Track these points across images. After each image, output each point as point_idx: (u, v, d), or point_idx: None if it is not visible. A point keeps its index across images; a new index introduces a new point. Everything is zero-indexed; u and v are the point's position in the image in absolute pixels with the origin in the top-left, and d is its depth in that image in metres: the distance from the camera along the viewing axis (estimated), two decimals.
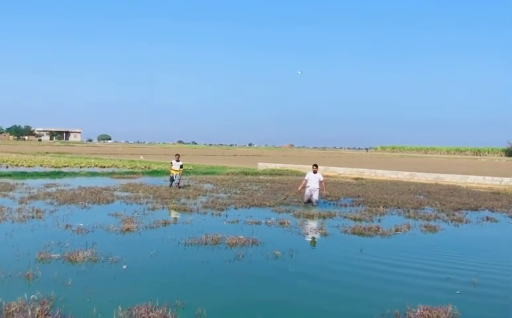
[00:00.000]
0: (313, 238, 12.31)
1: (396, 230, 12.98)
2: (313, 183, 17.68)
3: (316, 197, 17.67)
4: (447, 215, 16.18)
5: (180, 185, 22.39)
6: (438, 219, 15.33)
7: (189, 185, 23.57)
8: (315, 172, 17.84)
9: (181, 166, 22.68)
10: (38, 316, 5.93)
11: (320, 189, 17.84)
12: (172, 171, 22.56)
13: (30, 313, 5.99)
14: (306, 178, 18.02)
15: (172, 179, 22.52)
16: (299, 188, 18.49)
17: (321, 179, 17.95)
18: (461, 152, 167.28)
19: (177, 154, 23.75)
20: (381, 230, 12.86)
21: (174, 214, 15.09)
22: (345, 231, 12.81)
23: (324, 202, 18.33)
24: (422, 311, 6.59)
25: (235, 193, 20.62)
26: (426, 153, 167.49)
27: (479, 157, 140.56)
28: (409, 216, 15.68)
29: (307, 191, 17.74)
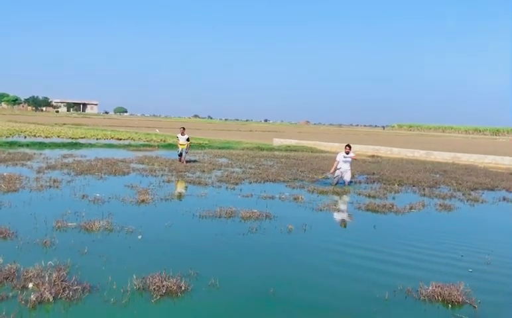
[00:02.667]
0: (326, 213, 12.30)
1: (411, 208, 12.91)
2: (344, 165, 16.79)
3: (347, 177, 16.82)
4: (463, 194, 16.04)
5: (186, 159, 21.42)
6: (453, 198, 15.20)
7: (196, 161, 22.74)
8: (347, 153, 16.89)
9: (187, 139, 21.82)
10: (54, 281, 6.06)
11: (351, 168, 17.12)
12: (180, 145, 21.83)
13: (47, 279, 6.13)
14: (337, 159, 16.96)
15: (180, 154, 21.64)
16: (331, 171, 17.31)
17: (353, 155, 17.27)
18: (479, 131, 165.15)
19: (182, 127, 22.86)
20: (395, 207, 12.80)
21: (189, 187, 15.19)
22: (359, 207, 12.79)
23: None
24: (434, 287, 6.59)
25: (250, 168, 20.66)
26: (443, 132, 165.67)
27: (498, 137, 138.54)
28: (424, 195, 15.57)
29: (337, 173, 16.84)
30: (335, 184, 16.55)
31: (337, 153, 19.22)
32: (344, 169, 16.80)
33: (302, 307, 6.06)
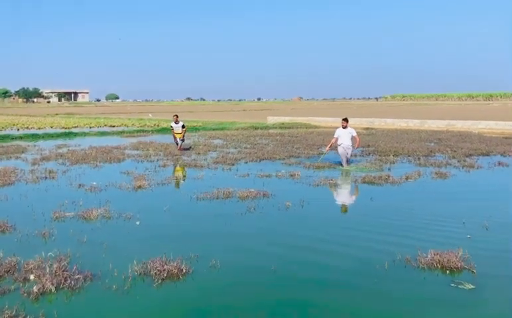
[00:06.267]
0: (323, 188, 12.33)
1: (407, 178, 12.96)
2: (346, 140, 15.10)
3: (349, 155, 15.48)
4: (458, 161, 16.11)
5: (182, 147, 19.96)
6: (449, 166, 15.27)
7: (192, 148, 21.13)
8: (345, 127, 15.26)
9: (183, 126, 20.16)
10: (56, 272, 6.08)
11: (353, 145, 15.44)
12: (176, 135, 20.17)
13: (48, 270, 6.14)
14: (335, 136, 15.48)
15: (177, 143, 20.17)
16: (326, 148, 16.46)
17: (354, 134, 15.29)
18: (472, 97, 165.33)
19: (175, 115, 20.98)
20: (391, 178, 12.85)
21: (185, 170, 15.18)
22: (356, 180, 12.84)
23: (335, 153, 17.42)
24: (433, 255, 6.65)
25: (245, 148, 20.63)
26: (437, 100, 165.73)
27: (491, 102, 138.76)
28: (420, 164, 15.62)
29: (341, 150, 15.19)
30: (349, 163, 15.27)
31: (335, 129, 16.69)
32: (347, 145, 15.15)
33: (304, 283, 6.10)
